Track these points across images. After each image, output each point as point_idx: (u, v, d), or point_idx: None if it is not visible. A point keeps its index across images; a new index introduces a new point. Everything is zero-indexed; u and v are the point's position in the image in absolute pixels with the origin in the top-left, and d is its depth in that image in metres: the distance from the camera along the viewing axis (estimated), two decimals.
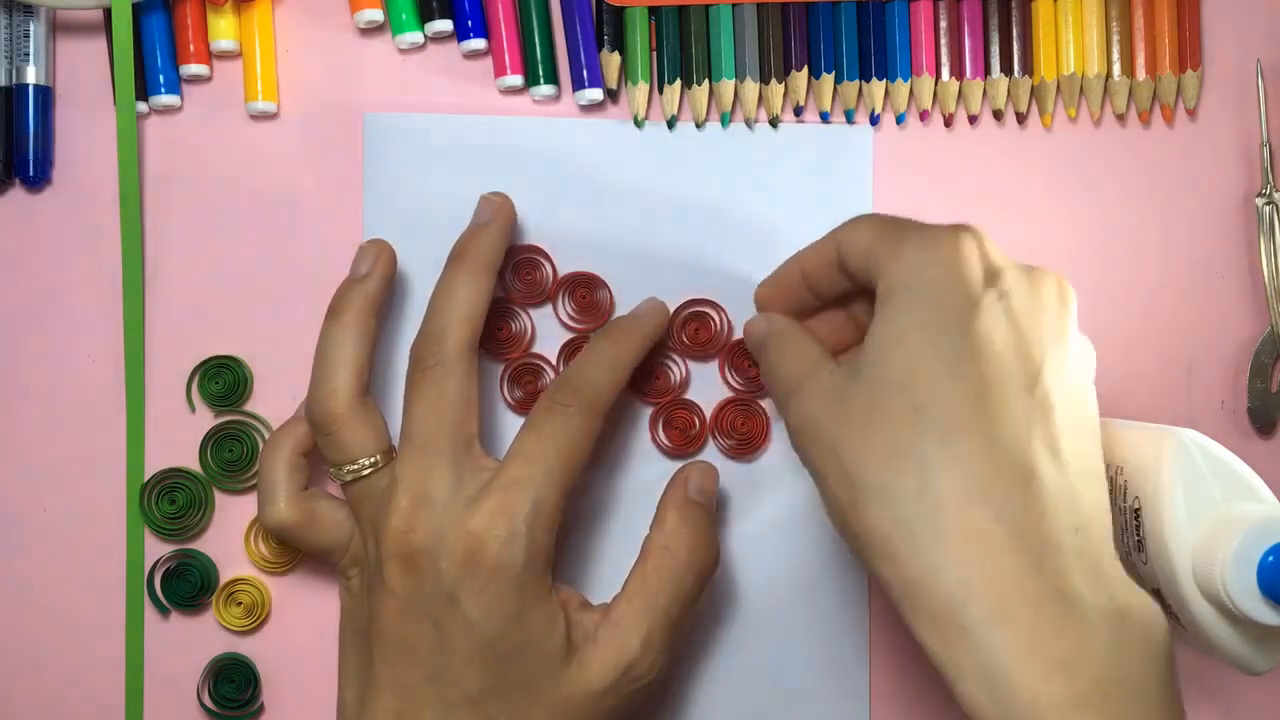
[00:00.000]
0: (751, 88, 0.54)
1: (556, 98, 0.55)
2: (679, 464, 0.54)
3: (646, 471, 0.55)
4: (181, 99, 0.55)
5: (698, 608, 0.51)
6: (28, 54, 0.54)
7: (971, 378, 0.41)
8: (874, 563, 0.41)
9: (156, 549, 0.55)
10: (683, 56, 0.54)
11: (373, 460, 0.49)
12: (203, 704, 0.55)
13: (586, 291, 0.54)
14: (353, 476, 0.50)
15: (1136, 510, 0.45)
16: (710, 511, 0.51)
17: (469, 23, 0.54)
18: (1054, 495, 0.40)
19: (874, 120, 0.55)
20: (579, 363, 0.50)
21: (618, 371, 0.50)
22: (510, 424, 0.55)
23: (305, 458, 0.52)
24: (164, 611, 0.55)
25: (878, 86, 0.55)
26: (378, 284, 0.51)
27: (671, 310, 0.54)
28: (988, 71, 0.55)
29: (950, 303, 0.42)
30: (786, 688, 0.54)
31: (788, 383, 0.46)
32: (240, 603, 0.55)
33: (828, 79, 0.54)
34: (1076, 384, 0.43)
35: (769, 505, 0.55)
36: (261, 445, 0.54)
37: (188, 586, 0.54)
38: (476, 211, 0.53)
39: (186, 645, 0.55)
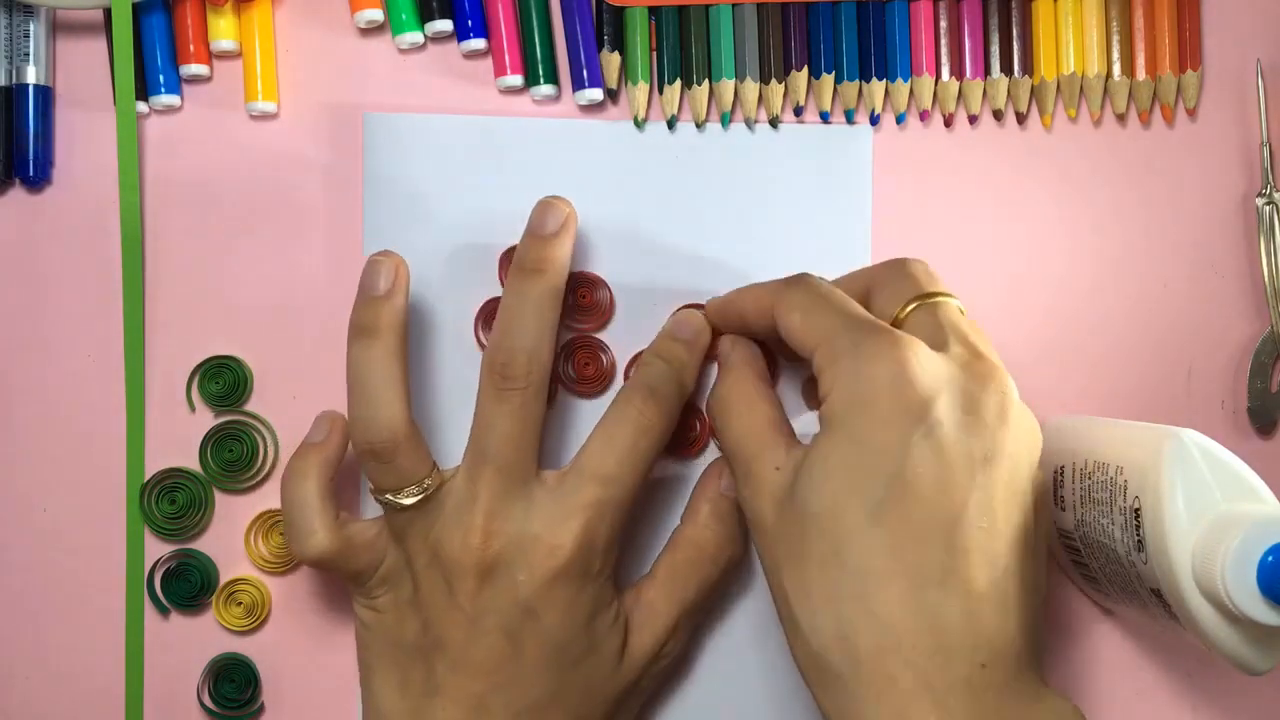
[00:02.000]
0: (751, 88, 0.54)
1: (556, 98, 0.55)
2: (679, 464, 0.55)
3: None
4: (181, 99, 0.55)
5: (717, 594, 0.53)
6: (28, 54, 0.54)
7: (892, 525, 0.42)
8: (806, 683, 0.45)
9: (156, 549, 0.55)
10: (683, 56, 0.55)
11: (429, 481, 0.49)
12: (203, 704, 0.55)
13: (587, 291, 0.54)
14: (414, 499, 0.49)
15: (1136, 510, 0.45)
16: (738, 509, 0.51)
17: (469, 23, 0.55)
18: (962, 637, 0.42)
19: (874, 120, 0.55)
20: (652, 366, 0.50)
21: (685, 386, 0.51)
22: None
23: (332, 483, 0.51)
24: (164, 611, 0.55)
25: (878, 86, 0.55)
26: (404, 299, 0.50)
27: (670, 312, 0.54)
28: (988, 71, 0.55)
29: (878, 446, 0.43)
30: (778, 685, 0.55)
31: (739, 461, 0.48)
32: (240, 603, 0.55)
33: (828, 79, 0.54)
34: (1008, 494, 0.44)
35: None
36: (261, 446, 0.54)
37: (188, 586, 0.54)
38: (539, 217, 0.51)
39: (186, 645, 0.55)
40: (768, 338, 0.51)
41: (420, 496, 0.49)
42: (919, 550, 0.42)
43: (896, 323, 0.47)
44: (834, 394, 0.44)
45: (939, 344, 0.45)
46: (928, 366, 0.44)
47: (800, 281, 0.48)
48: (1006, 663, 0.42)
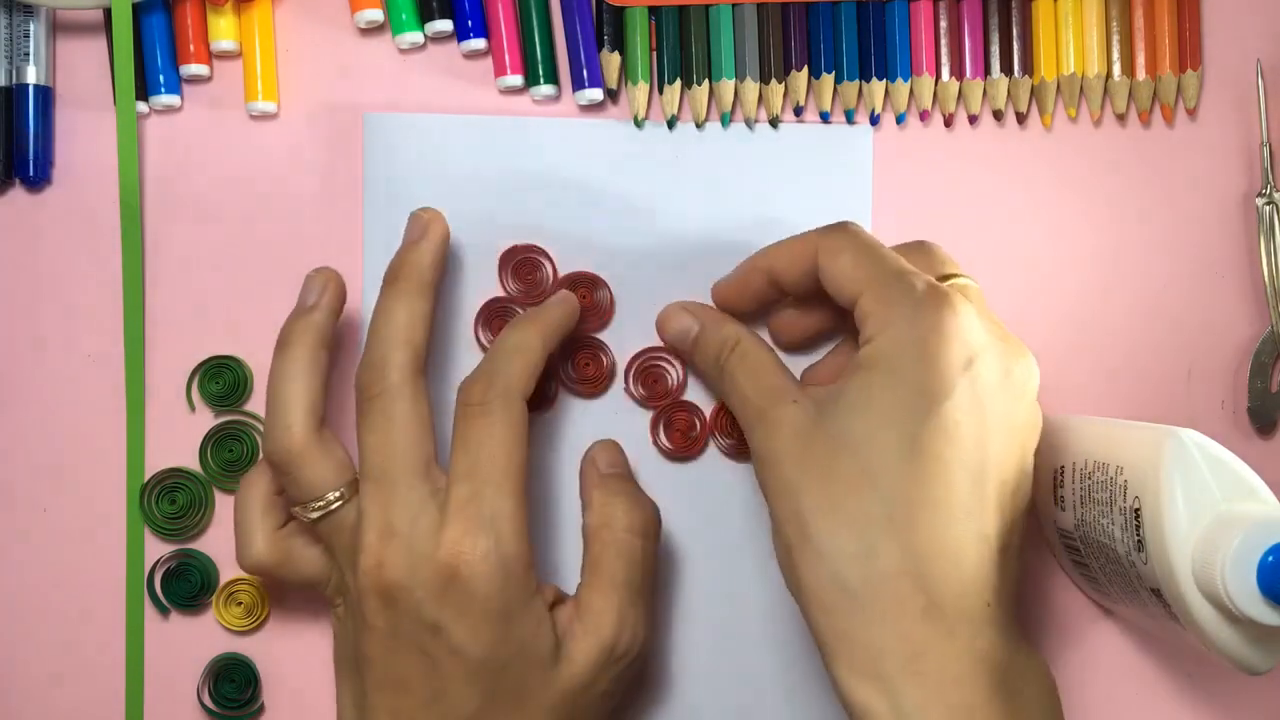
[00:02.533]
0: (751, 88, 0.54)
1: (556, 98, 0.55)
2: (680, 466, 0.55)
3: (647, 474, 0.54)
4: (181, 99, 0.55)
5: (656, 572, 0.52)
6: (28, 54, 0.54)
7: (926, 459, 0.44)
8: (808, 609, 0.45)
9: (156, 549, 0.55)
10: (683, 56, 0.54)
11: (338, 494, 0.48)
12: (203, 704, 0.55)
13: (587, 291, 0.54)
14: (319, 514, 0.48)
15: (1136, 510, 0.45)
16: (628, 477, 0.52)
17: (469, 23, 0.54)
18: (975, 574, 0.44)
19: (874, 120, 0.55)
20: (484, 360, 0.49)
21: (526, 353, 0.49)
22: None
23: (280, 496, 0.51)
24: (164, 611, 0.55)
25: (878, 86, 0.55)
26: (325, 315, 0.50)
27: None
28: (988, 71, 0.55)
29: (925, 387, 0.45)
30: (785, 684, 0.55)
31: (751, 409, 0.48)
32: (240, 603, 0.55)
33: (828, 79, 0.54)
34: (1020, 462, 0.47)
35: None
36: (262, 446, 0.54)
37: (188, 586, 0.54)
38: (407, 229, 0.51)
39: (186, 645, 0.55)
40: (788, 294, 0.51)
41: (322, 513, 0.48)
42: (948, 488, 0.44)
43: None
44: (885, 335, 0.45)
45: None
46: (976, 325, 0.46)
47: (846, 227, 0.49)
48: (1006, 606, 0.45)
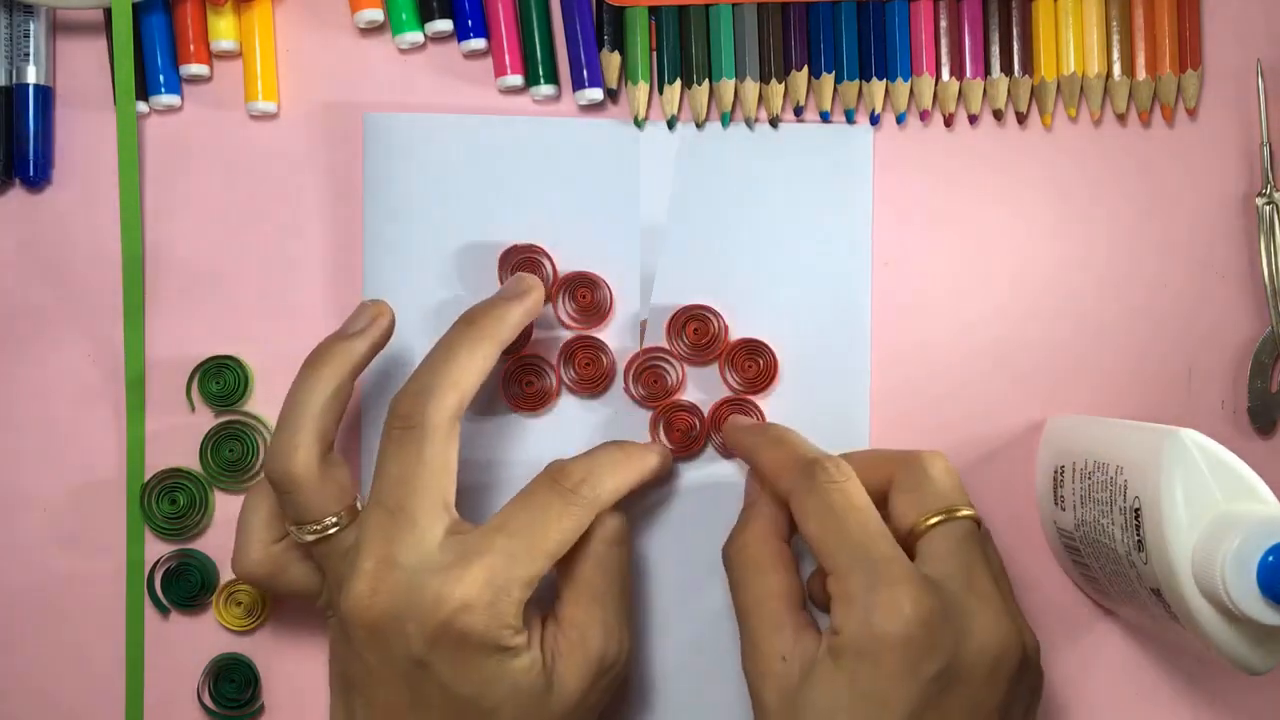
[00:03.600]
0: (751, 88, 0.54)
1: (556, 98, 0.55)
2: (680, 465, 0.54)
3: None
4: (181, 99, 0.55)
5: (632, 576, 0.51)
6: (28, 54, 0.54)
7: None
8: None
9: (156, 549, 0.55)
10: (683, 56, 0.54)
11: (335, 519, 0.48)
12: (203, 704, 0.55)
13: (587, 291, 0.54)
14: (313, 537, 0.48)
15: (1136, 510, 0.45)
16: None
17: (469, 23, 0.54)
18: None
19: (874, 120, 0.55)
20: (595, 463, 0.49)
21: (620, 478, 0.50)
22: (511, 424, 0.55)
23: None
24: (164, 611, 0.55)
25: (878, 86, 0.55)
26: (365, 345, 0.49)
27: (670, 315, 0.54)
28: (988, 71, 0.55)
29: (881, 696, 0.45)
30: None
31: (745, 622, 0.49)
32: (240, 603, 0.55)
33: (828, 79, 0.54)
34: None
35: None
36: (262, 445, 0.54)
37: (188, 586, 0.54)
38: (507, 284, 0.51)
39: (186, 645, 0.55)
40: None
41: (317, 537, 0.48)
42: None
43: (915, 534, 0.48)
44: (844, 634, 0.45)
45: (951, 573, 0.46)
46: (935, 625, 0.45)
47: (816, 485, 0.48)
48: None
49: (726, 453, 0.55)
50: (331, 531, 0.48)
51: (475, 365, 0.48)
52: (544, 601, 0.49)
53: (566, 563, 0.49)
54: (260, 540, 0.50)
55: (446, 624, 0.45)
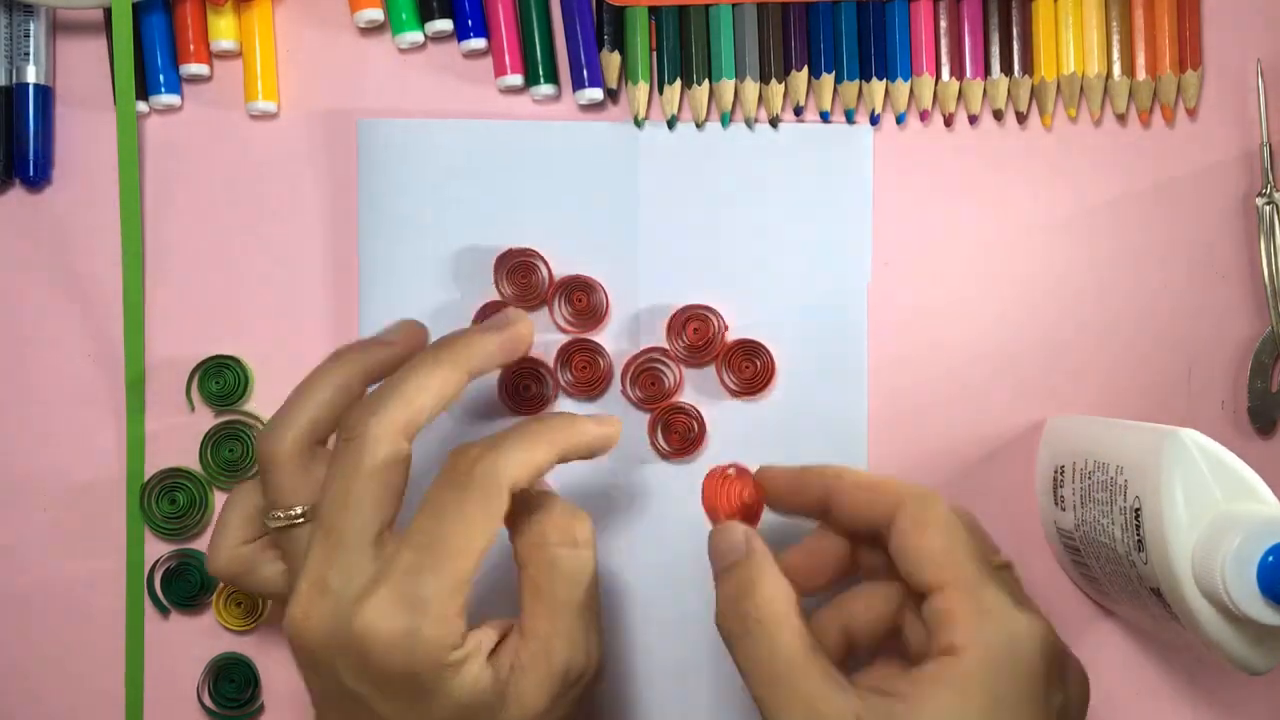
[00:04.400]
0: (751, 88, 0.54)
1: (556, 97, 0.55)
2: (679, 466, 0.54)
3: (648, 477, 0.54)
4: (181, 99, 0.55)
5: (600, 586, 0.48)
6: (28, 54, 0.54)
7: None
8: None
9: (156, 549, 0.55)
10: (683, 56, 0.54)
11: (301, 511, 0.47)
12: (203, 704, 0.55)
13: (583, 295, 0.54)
14: (277, 524, 0.47)
15: (1136, 510, 0.45)
16: (552, 492, 0.48)
17: (469, 22, 0.55)
18: None
19: (874, 120, 0.55)
20: (497, 439, 0.45)
21: (531, 452, 0.45)
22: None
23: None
24: (164, 611, 0.55)
25: (878, 86, 0.55)
26: (390, 355, 0.48)
27: (670, 315, 0.54)
28: (988, 71, 0.55)
29: (1019, 708, 0.42)
30: None
31: (805, 700, 0.43)
32: (240, 603, 0.55)
33: (828, 79, 0.54)
34: None
35: None
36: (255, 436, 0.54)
37: (188, 586, 0.54)
38: (494, 317, 0.49)
39: (186, 645, 0.55)
40: (840, 527, 0.47)
41: (284, 524, 0.47)
42: None
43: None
44: (975, 648, 0.43)
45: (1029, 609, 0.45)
46: (1055, 637, 0.44)
47: (937, 501, 0.45)
48: None
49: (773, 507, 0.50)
50: (298, 522, 0.47)
51: (431, 385, 0.45)
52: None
53: (523, 569, 0.46)
54: (235, 538, 0.49)
55: (367, 660, 0.43)
